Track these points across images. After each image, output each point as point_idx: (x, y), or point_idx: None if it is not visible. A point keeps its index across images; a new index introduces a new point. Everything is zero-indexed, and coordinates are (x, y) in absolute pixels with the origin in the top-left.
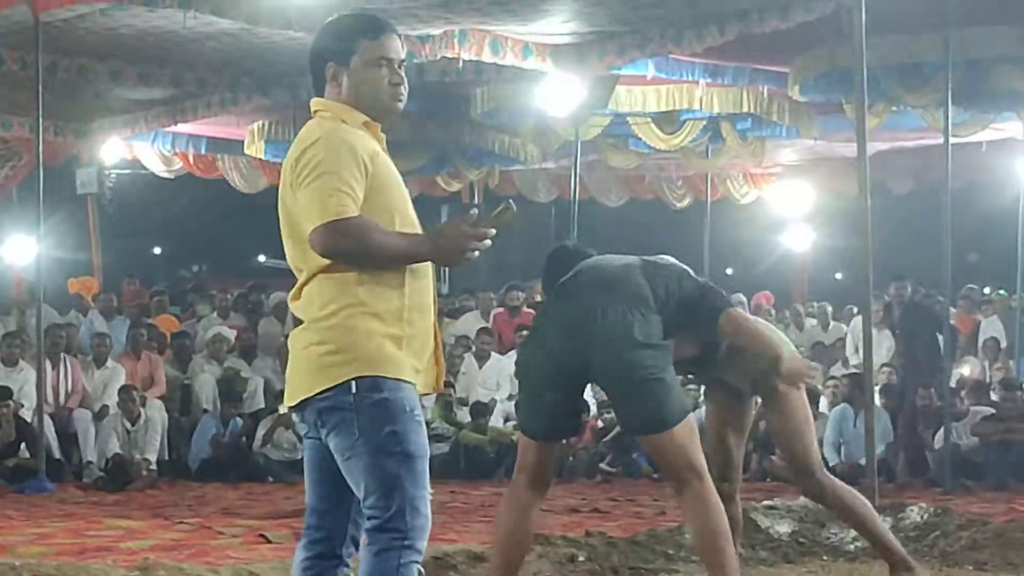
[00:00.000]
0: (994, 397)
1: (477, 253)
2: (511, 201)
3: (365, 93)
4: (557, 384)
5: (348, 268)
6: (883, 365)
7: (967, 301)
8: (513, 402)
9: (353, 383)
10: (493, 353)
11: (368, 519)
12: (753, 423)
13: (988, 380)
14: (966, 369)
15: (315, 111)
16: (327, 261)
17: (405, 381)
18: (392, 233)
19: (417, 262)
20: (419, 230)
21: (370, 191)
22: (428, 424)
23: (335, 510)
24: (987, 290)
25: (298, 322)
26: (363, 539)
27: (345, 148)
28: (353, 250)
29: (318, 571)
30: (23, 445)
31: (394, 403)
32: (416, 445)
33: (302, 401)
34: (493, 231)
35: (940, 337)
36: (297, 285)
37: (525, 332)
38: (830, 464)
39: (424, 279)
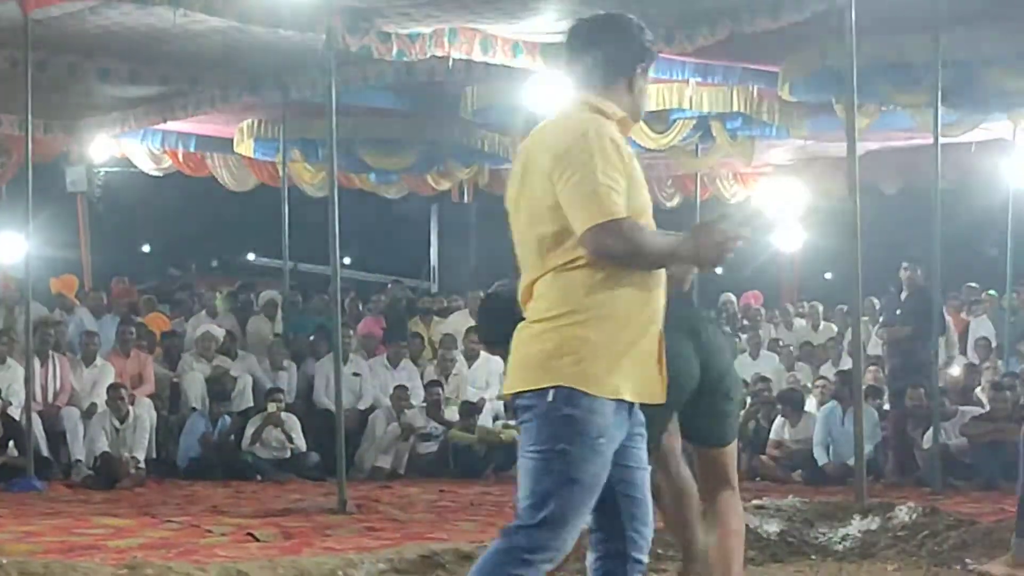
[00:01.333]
0: (983, 397)
1: (732, 254)
2: (763, 207)
3: (640, 103)
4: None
5: (581, 271)
6: (871, 364)
7: (957, 301)
8: (503, 401)
9: (551, 391)
10: (482, 352)
11: (516, 517)
12: (743, 421)
13: (979, 380)
14: (955, 370)
15: (583, 103)
16: (561, 260)
17: (606, 399)
18: (657, 233)
19: (678, 263)
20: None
21: (626, 190)
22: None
23: (603, 510)
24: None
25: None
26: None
27: (612, 146)
28: (625, 251)
29: (607, 569)
30: (11, 443)
31: (581, 423)
32: (586, 473)
33: (512, 393)
34: (748, 232)
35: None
36: (527, 282)
37: None
38: (819, 464)
39: (661, 284)
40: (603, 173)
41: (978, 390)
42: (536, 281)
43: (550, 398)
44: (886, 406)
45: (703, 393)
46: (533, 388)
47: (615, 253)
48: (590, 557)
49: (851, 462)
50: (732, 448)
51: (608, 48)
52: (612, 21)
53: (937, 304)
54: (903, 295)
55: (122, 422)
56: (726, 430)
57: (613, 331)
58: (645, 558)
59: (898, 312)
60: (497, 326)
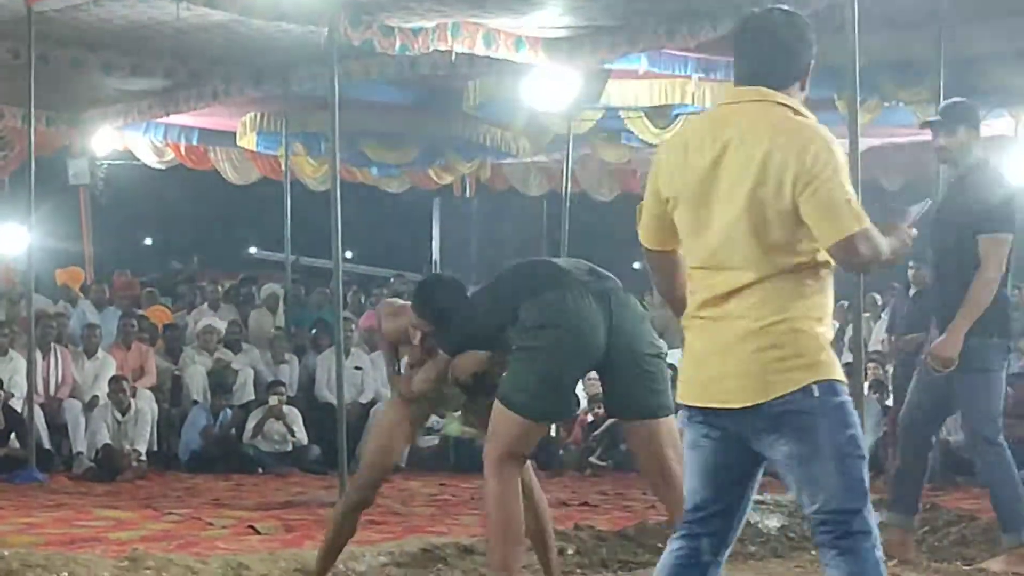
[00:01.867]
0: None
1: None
2: (929, 200)
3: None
4: (581, 366)
5: (807, 272)
6: (870, 361)
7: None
8: None
9: (815, 387)
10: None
11: (828, 524)
12: None
13: None
14: None
15: (779, 102)
16: (784, 264)
17: (846, 384)
18: (880, 235)
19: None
20: None
21: None
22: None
23: (725, 513)
24: None
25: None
26: (828, 544)
27: (840, 150)
28: (872, 258)
29: (694, 565)
30: (13, 435)
31: (848, 406)
32: (866, 449)
33: (751, 405)
34: (915, 232)
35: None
36: (732, 286)
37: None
38: None
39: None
40: (845, 179)
41: None
42: (747, 287)
43: (816, 394)
44: (889, 401)
45: (616, 362)
46: (793, 390)
47: (865, 260)
48: (680, 544)
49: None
50: (668, 422)
51: (797, 46)
52: (798, 18)
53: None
54: (911, 292)
55: (123, 414)
56: (664, 395)
57: (829, 327)
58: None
59: (906, 310)
60: (434, 304)
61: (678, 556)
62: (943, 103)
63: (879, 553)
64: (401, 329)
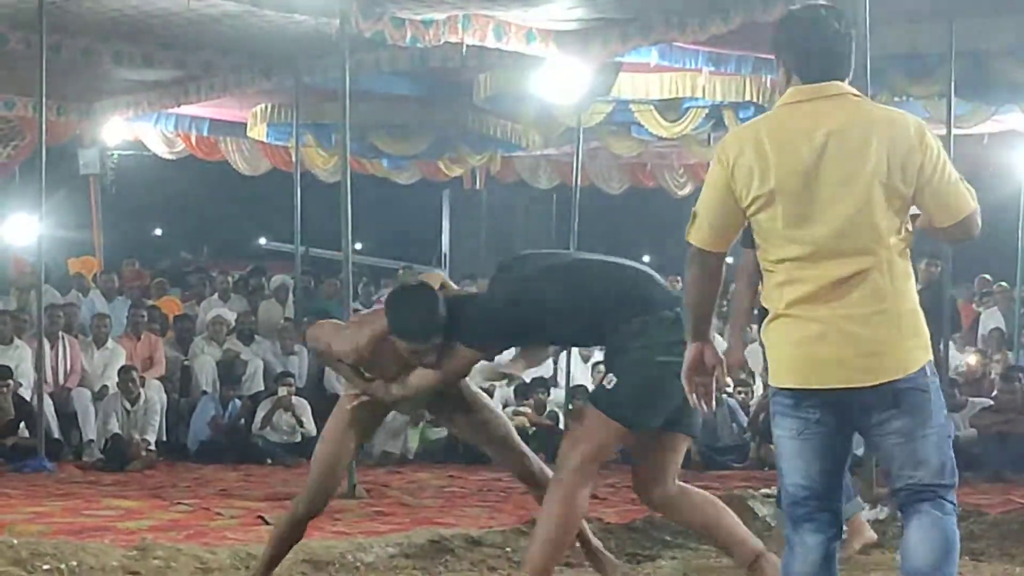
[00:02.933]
0: (993, 388)
1: None
2: None
3: None
4: None
5: (906, 255)
6: None
7: (968, 291)
8: (512, 387)
9: (927, 367)
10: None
11: (926, 493)
12: (754, 414)
13: (989, 371)
14: (972, 359)
15: (855, 95)
16: (897, 247)
17: None
18: None
19: None
20: None
21: None
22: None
23: (837, 491)
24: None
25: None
26: (922, 512)
27: None
28: (977, 234)
29: (832, 555)
30: (22, 424)
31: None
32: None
33: (880, 383)
34: None
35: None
36: (850, 271)
37: None
38: None
39: None
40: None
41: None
42: (873, 268)
43: (927, 373)
44: None
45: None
46: (916, 369)
47: (974, 236)
48: (816, 539)
49: (860, 451)
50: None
51: (850, 39)
52: (840, 11)
53: (950, 300)
54: (918, 288)
55: (133, 404)
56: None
57: None
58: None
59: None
60: (411, 320)
61: (821, 549)
62: None
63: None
64: (375, 338)
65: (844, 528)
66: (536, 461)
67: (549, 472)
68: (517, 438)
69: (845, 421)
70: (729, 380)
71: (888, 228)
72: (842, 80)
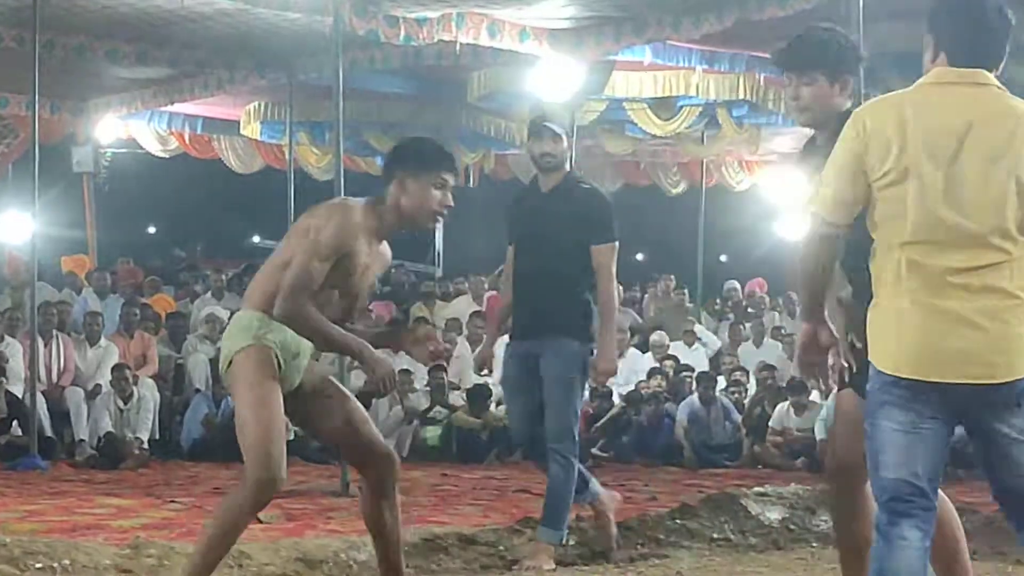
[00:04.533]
0: None
1: None
2: None
3: None
4: None
5: None
6: None
7: None
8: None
9: None
10: (486, 336)
11: None
12: (747, 412)
13: None
14: None
15: (998, 87)
16: (1021, 241)
17: None
18: None
19: None
20: None
21: None
22: (427, 410)
23: (936, 487)
24: None
25: None
26: None
27: None
28: None
29: (926, 550)
30: (15, 423)
31: None
32: None
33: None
34: None
35: None
36: (982, 262)
37: None
38: (817, 439)
39: None
40: None
41: None
42: (1006, 260)
43: None
44: None
45: None
46: None
47: None
48: (913, 534)
49: None
50: None
51: (1006, 30)
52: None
53: None
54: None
55: (126, 403)
56: None
57: None
58: None
59: None
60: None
61: (921, 544)
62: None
63: None
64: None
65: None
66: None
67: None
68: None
69: (956, 417)
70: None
71: (1020, 225)
72: (991, 71)
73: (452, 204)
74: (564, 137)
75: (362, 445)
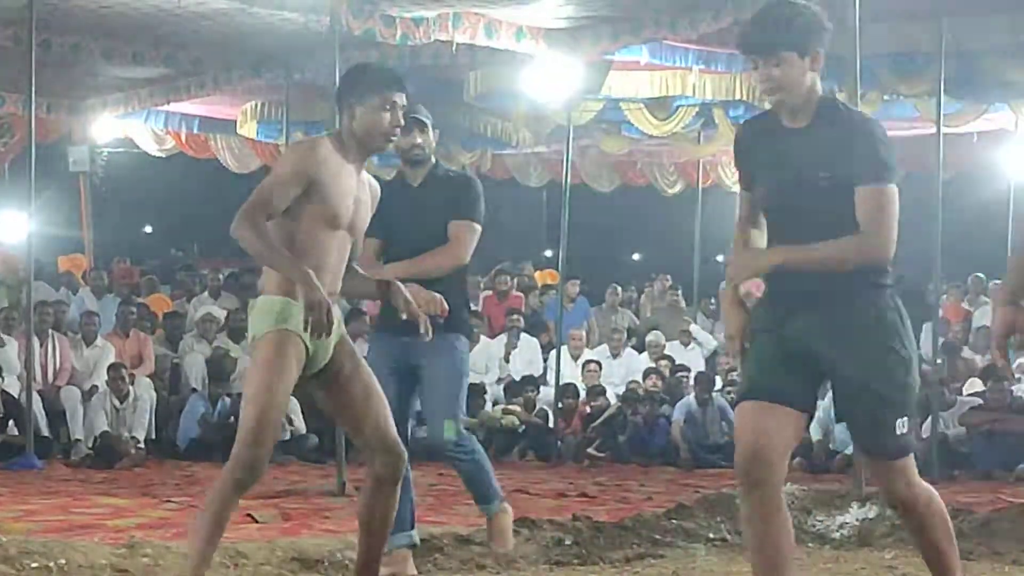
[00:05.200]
0: (982, 387)
1: None
2: None
3: None
4: None
5: None
6: None
7: (958, 291)
8: (502, 385)
9: None
10: (483, 337)
11: None
12: None
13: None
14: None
15: None
16: None
17: None
18: None
19: None
20: None
21: None
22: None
23: None
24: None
25: None
26: None
27: None
28: None
29: None
30: (11, 422)
31: None
32: None
33: None
34: None
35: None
36: None
37: (515, 316)
38: (812, 439)
39: None
40: None
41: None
42: None
43: None
44: None
45: None
46: None
47: None
48: None
49: (850, 451)
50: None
51: None
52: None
53: (928, 294)
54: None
55: (122, 402)
56: None
57: None
58: None
59: None
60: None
61: None
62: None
63: None
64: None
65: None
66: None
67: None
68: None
69: None
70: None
71: None
72: None
73: (402, 124)
74: (431, 127)
75: (371, 431)
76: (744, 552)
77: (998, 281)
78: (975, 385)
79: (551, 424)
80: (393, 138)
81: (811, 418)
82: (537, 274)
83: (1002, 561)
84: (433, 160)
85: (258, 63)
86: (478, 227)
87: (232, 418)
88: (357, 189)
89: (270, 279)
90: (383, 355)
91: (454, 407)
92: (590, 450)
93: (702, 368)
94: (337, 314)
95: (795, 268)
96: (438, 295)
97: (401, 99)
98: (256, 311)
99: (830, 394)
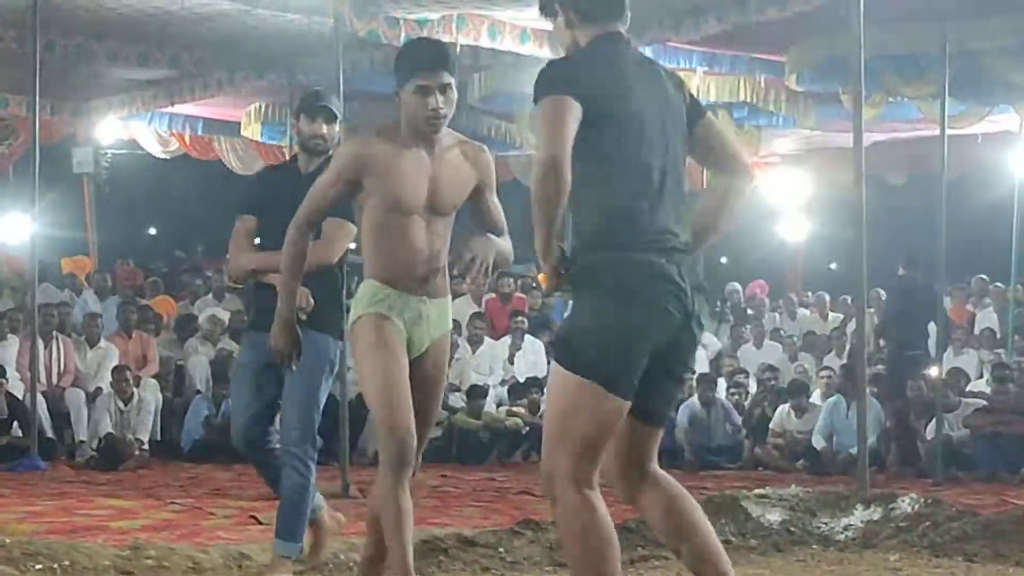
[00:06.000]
0: (986, 388)
1: None
2: None
3: None
4: None
5: None
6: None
7: (962, 292)
8: (506, 387)
9: None
10: (486, 338)
11: None
12: (748, 411)
13: (981, 372)
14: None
15: None
16: None
17: None
18: None
19: None
20: None
21: None
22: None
23: None
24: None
25: None
26: None
27: None
28: None
29: None
30: (15, 423)
31: None
32: None
33: None
34: None
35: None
36: None
37: (519, 318)
38: (817, 449)
39: None
40: None
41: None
42: None
43: None
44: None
45: None
46: None
47: None
48: None
49: (854, 451)
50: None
51: None
52: None
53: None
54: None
55: (126, 404)
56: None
57: None
58: None
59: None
60: None
61: None
62: None
63: None
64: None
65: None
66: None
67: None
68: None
69: None
70: None
71: None
72: None
73: (440, 107)
74: (338, 121)
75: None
76: (749, 554)
77: (999, 284)
78: (978, 387)
79: None
80: (435, 121)
81: None
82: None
83: (1006, 563)
84: (330, 153)
85: (262, 65)
86: (352, 228)
87: None
88: (433, 168)
89: (367, 264)
90: (253, 352)
91: (305, 409)
92: None
93: (706, 369)
94: (434, 310)
95: None
96: (305, 289)
97: (435, 79)
98: (355, 298)
99: (831, 400)
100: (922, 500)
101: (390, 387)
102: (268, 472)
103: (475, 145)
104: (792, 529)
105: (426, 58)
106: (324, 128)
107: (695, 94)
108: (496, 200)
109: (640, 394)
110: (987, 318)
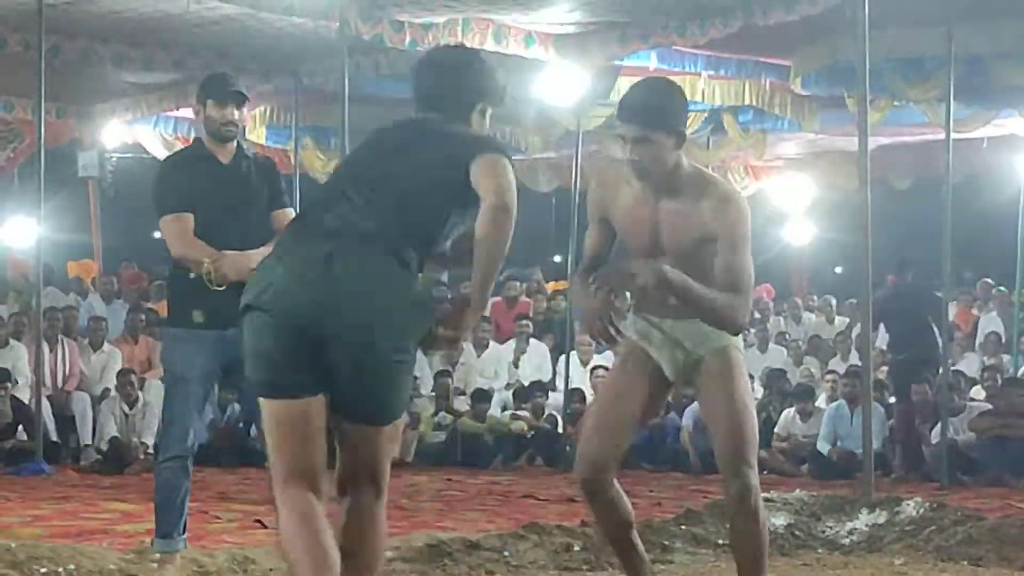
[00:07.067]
0: (992, 393)
1: None
2: None
3: None
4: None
5: None
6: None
7: (968, 296)
8: (511, 391)
9: None
10: (491, 342)
11: None
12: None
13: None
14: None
15: None
16: None
17: None
18: None
19: None
20: None
21: None
22: (433, 415)
23: None
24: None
25: None
26: None
27: None
28: None
29: None
30: (20, 427)
31: None
32: None
33: None
34: None
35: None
36: None
37: (524, 322)
38: (823, 453)
39: None
40: None
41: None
42: None
43: None
44: (891, 399)
45: None
46: None
47: None
48: None
49: (859, 451)
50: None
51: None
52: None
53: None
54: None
55: (131, 407)
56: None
57: None
58: None
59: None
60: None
61: None
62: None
63: None
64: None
65: None
66: None
67: None
68: None
69: None
70: None
71: None
72: None
73: (636, 159)
74: (247, 105)
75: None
76: None
77: (1002, 288)
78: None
79: (560, 430)
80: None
81: None
82: (551, 285)
83: (1011, 567)
84: (241, 143)
85: (267, 68)
86: (292, 212)
87: (241, 423)
88: (654, 203)
89: None
90: (206, 347)
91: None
92: None
93: None
94: (695, 332)
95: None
96: None
97: (628, 132)
98: None
99: (834, 404)
100: (927, 504)
101: (592, 418)
102: None
103: None
104: (797, 533)
105: (625, 116)
106: (235, 113)
107: (700, 98)
108: None
109: None
110: (991, 322)
